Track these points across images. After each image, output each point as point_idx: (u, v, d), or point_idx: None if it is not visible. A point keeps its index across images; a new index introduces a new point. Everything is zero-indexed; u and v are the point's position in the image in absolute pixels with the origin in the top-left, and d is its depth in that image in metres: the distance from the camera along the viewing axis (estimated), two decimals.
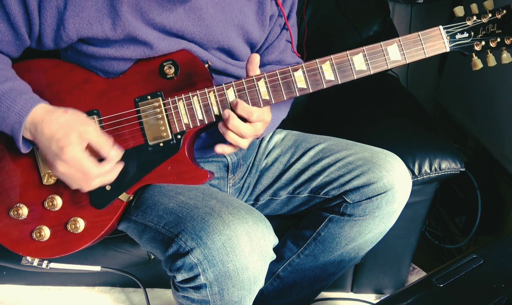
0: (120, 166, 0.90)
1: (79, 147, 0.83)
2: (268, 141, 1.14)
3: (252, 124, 0.89)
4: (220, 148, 0.90)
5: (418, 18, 1.97)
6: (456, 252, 1.82)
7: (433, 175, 1.19)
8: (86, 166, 0.84)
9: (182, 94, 0.90)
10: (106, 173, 0.87)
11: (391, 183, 0.99)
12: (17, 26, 0.86)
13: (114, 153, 0.88)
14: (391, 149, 1.07)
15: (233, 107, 0.89)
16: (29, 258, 0.96)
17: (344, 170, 1.03)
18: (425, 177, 1.19)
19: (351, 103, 1.46)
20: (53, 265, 1.01)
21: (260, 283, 0.87)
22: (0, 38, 0.87)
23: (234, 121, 0.87)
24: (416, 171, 1.18)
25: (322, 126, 1.50)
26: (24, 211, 0.92)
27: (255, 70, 0.89)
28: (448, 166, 1.19)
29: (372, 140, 1.12)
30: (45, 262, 0.98)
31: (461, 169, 1.20)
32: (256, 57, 0.88)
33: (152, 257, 1.26)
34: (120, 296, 1.46)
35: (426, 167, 1.19)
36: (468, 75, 1.78)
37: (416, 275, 1.57)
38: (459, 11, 0.90)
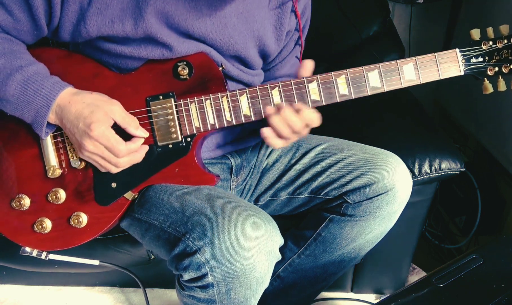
0: (146, 147, 0.90)
1: (106, 125, 0.84)
2: None
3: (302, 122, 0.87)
4: (267, 131, 0.87)
5: (418, 18, 1.97)
6: (456, 252, 1.82)
7: (433, 175, 1.19)
8: (114, 141, 0.84)
9: (195, 97, 0.90)
10: (134, 151, 0.88)
11: (392, 183, 0.99)
12: (38, 18, 0.86)
13: (140, 131, 0.89)
14: (391, 149, 1.07)
15: (296, 111, 0.86)
16: (28, 249, 0.95)
17: (345, 171, 1.03)
18: (425, 177, 1.19)
19: (351, 103, 1.46)
20: (52, 256, 1.00)
21: (266, 283, 0.87)
22: (19, 27, 0.87)
23: (288, 111, 0.85)
24: (416, 171, 1.18)
25: (322, 127, 1.50)
26: (26, 201, 0.92)
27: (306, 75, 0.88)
28: (448, 166, 1.19)
29: (372, 140, 1.12)
30: (44, 253, 0.98)
31: (461, 169, 1.20)
32: (311, 63, 0.88)
33: (152, 257, 1.26)
34: (120, 296, 1.46)
35: (426, 167, 1.19)
36: (468, 75, 1.78)
37: (416, 275, 1.57)
38: (476, 34, 0.90)
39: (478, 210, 1.66)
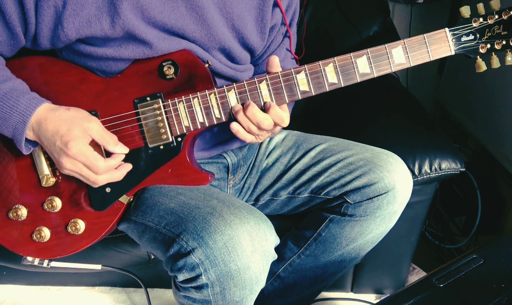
0: (129, 166, 0.90)
1: (84, 142, 0.83)
2: (269, 142, 1.14)
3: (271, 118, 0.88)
4: (236, 125, 0.88)
5: (418, 18, 1.97)
6: (456, 252, 1.82)
7: (433, 175, 1.19)
8: (92, 158, 0.83)
9: (182, 96, 0.89)
10: (114, 168, 0.88)
11: (392, 184, 0.99)
12: (13, 25, 0.85)
13: (120, 148, 0.88)
14: (391, 149, 1.07)
15: (266, 109, 0.88)
16: (29, 258, 0.96)
17: (345, 170, 1.02)
18: (425, 177, 1.19)
19: (351, 103, 1.47)
20: (54, 264, 1.00)
21: (262, 283, 0.87)
22: None
23: (253, 109, 0.86)
24: (416, 171, 1.18)
25: (322, 127, 1.50)
26: (23, 212, 0.92)
27: (277, 71, 0.88)
28: (448, 166, 1.19)
29: (372, 140, 1.12)
30: (46, 261, 0.98)
31: (461, 169, 1.20)
32: (276, 59, 0.87)
33: (152, 257, 1.26)
34: (120, 296, 1.46)
35: (426, 167, 1.19)
36: (468, 75, 1.78)
37: (416, 275, 1.57)
38: (465, 12, 0.88)
39: (478, 210, 1.66)
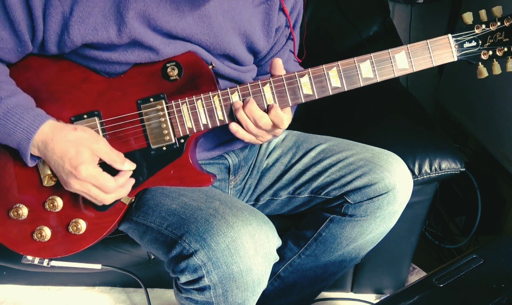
0: (132, 181, 0.90)
1: (93, 164, 0.84)
2: (269, 142, 1.14)
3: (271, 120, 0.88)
4: (235, 126, 0.89)
5: (418, 18, 1.97)
6: (456, 252, 1.82)
7: (433, 175, 1.19)
8: (103, 180, 0.84)
9: (186, 98, 0.89)
10: (121, 186, 0.88)
11: (393, 184, 0.99)
12: (21, 33, 0.84)
13: (127, 165, 0.89)
14: (391, 149, 1.07)
15: (268, 111, 0.88)
16: (29, 257, 0.95)
17: (345, 170, 1.02)
18: (425, 177, 1.19)
19: (351, 103, 1.47)
20: (53, 263, 1.00)
21: (264, 285, 0.87)
22: (2, 46, 0.84)
23: (251, 106, 0.86)
24: (416, 171, 1.18)
25: (322, 126, 1.50)
26: (24, 211, 0.91)
27: (280, 73, 0.88)
28: (448, 166, 1.19)
29: (372, 140, 1.12)
30: (46, 260, 0.97)
31: (461, 169, 1.20)
32: (279, 61, 0.87)
33: (152, 257, 1.26)
34: (120, 296, 1.46)
35: (426, 167, 1.19)
36: (468, 75, 1.78)
37: (416, 275, 1.57)
38: (468, 18, 0.88)
39: (478, 210, 1.66)
